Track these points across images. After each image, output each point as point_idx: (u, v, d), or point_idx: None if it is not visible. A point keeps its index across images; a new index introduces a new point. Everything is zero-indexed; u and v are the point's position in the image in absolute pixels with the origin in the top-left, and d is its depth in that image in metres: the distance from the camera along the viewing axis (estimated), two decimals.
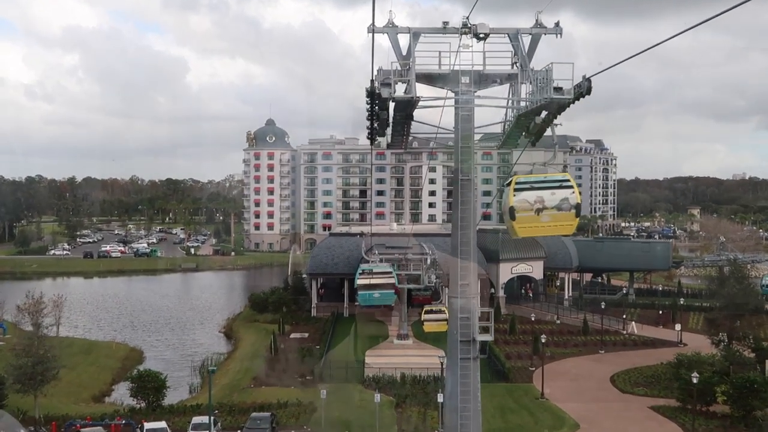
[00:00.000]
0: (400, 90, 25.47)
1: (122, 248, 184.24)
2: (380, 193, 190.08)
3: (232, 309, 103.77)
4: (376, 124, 27.69)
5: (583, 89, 23.57)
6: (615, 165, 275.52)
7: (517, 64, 26.76)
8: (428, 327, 57.26)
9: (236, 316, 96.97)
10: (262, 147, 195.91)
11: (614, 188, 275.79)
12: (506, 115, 29.22)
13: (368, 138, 28.53)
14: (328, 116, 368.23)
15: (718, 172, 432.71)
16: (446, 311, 52.10)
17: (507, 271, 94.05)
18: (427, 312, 57.33)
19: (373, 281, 59.17)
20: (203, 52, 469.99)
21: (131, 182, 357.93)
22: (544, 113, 27.44)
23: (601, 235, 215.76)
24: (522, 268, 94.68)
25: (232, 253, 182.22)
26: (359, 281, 59.41)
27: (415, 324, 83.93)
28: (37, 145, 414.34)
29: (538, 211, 22.69)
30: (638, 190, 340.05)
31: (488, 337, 27.06)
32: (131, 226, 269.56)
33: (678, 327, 76.76)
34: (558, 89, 23.88)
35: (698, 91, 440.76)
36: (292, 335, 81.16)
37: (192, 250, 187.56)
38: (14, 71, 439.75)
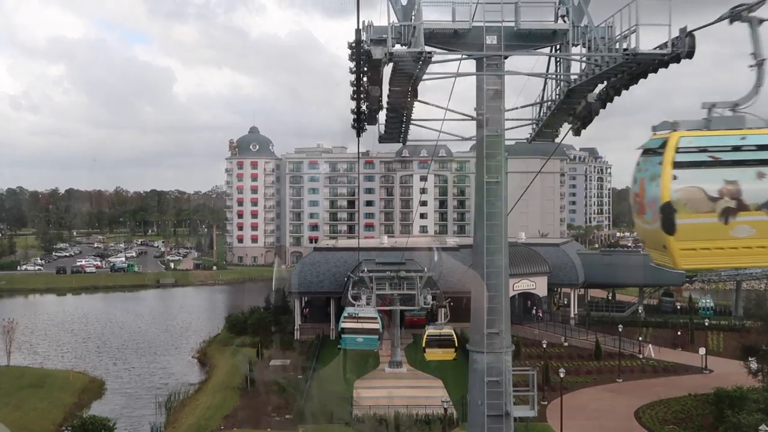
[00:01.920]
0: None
1: (98, 263, 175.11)
2: (369, 203, 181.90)
3: (210, 330, 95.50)
4: (364, 106, 19.58)
5: (683, 48, 15.32)
6: (610, 174, 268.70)
7: (567, 18, 18.64)
8: (431, 355, 48.20)
9: (212, 338, 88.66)
10: (245, 156, 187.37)
11: (609, 197, 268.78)
12: (545, 91, 21.03)
13: (354, 127, 20.54)
14: (316, 126, 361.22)
15: None
16: (454, 335, 45.79)
17: (508, 288, 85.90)
18: (430, 336, 47.51)
19: (358, 326, 53.90)
20: (190, 62, 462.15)
21: (116, 194, 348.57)
22: (598, 89, 19.51)
23: (596, 246, 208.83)
24: (524, 285, 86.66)
25: (214, 268, 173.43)
26: (343, 324, 54.27)
27: (409, 348, 75.96)
28: (22, 156, 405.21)
29: (728, 214, 11.42)
30: (629, 199, 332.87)
31: (529, 412, 18.89)
32: (110, 238, 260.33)
33: (702, 351, 68.90)
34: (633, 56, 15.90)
35: (686, 100, 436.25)
36: (272, 362, 72.90)
37: (172, 265, 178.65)
38: None
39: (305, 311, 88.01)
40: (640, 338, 75.12)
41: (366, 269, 67.42)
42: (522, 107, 21.78)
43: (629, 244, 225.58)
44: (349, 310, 55.68)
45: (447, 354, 46.53)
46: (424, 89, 18.98)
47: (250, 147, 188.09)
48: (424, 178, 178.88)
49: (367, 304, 63.83)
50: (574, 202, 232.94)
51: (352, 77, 17.79)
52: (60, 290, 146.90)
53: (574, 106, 19.80)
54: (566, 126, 21.53)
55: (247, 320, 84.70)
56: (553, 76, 19.08)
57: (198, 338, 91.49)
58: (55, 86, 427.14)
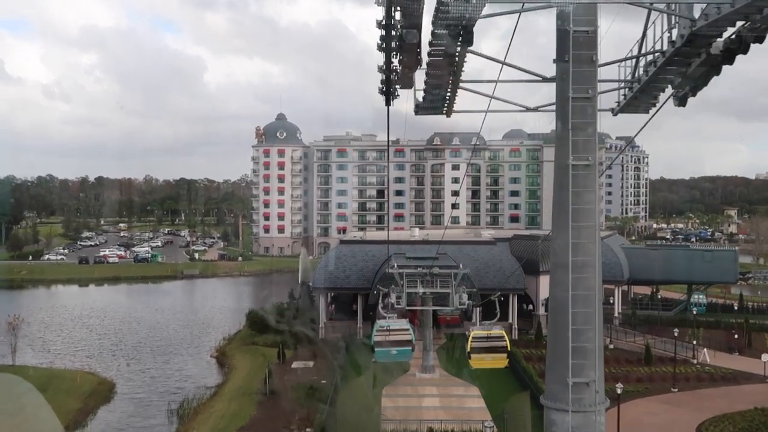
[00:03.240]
0: None
1: (121, 253, 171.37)
2: (399, 193, 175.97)
3: (231, 326, 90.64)
4: (396, 61, 13.95)
5: None
6: (647, 164, 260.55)
7: None
8: (478, 363, 41.39)
9: (233, 336, 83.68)
10: (272, 144, 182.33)
11: (646, 188, 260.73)
12: (646, 39, 15.18)
13: (382, 92, 14.90)
14: (345, 115, 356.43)
15: (741, 172, 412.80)
16: (505, 337, 40.99)
17: (548, 285, 79.88)
18: (476, 340, 40.68)
19: (390, 338, 49.85)
20: (220, 51, 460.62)
21: (145, 182, 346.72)
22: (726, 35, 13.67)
23: (633, 238, 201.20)
24: None
25: (240, 258, 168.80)
26: (376, 338, 50.23)
27: (441, 350, 70.45)
28: (55, 145, 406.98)
29: None
30: (664, 190, 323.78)
31: None
32: (137, 227, 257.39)
33: (766, 358, 62.43)
34: None
35: (721, 88, 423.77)
36: (294, 364, 67.74)
37: (197, 255, 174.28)
38: (32, 71, 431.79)
39: (331, 308, 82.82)
40: (694, 341, 68.64)
41: (396, 265, 61.89)
42: (607, 64, 15.92)
43: (668, 236, 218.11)
44: (380, 323, 52.06)
45: (497, 361, 40.87)
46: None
47: (277, 134, 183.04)
48: (455, 167, 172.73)
49: (398, 303, 58.80)
50: (610, 193, 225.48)
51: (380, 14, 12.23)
52: (82, 281, 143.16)
53: (691, 59, 13.94)
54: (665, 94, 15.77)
55: (268, 317, 79.60)
56: (667, 10, 13.23)
57: (218, 335, 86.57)
58: (87, 75, 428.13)
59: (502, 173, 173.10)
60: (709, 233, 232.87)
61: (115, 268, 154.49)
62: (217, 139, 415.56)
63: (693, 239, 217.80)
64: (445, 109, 17.57)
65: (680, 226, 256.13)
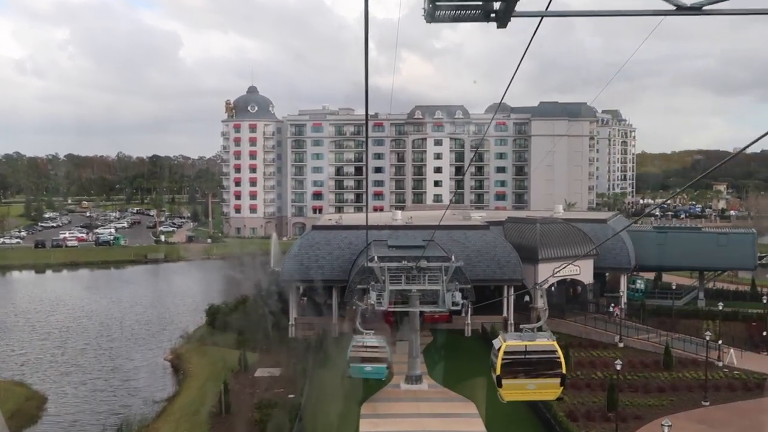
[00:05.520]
0: None
1: (82, 235, 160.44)
2: (378, 170, 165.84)
3: (192, 321, 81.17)
4: None
5: None
6: (634, 137, 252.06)
7: None
8: (512, 393, 27.64)
9: (192, 334, 74.11)
10: (242, 118, 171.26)
11: (633, 163, 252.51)
12: None
13: None
14: (322, 91, 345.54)
15: (717, 146, 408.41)
16: (559, 352, 27.06)
17: (547, 275, 70.61)
18: (511, 355, 26.68)
19: (366, 354, 46.24)
20: (196, 26, 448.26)
21: (118, 159, 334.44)
22: None
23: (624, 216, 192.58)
24: (567, 270, 71.15)
25: (209, 240, 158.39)
26: (351, 353, 46.36)
27: (428, 351, 61.26)
28: (28, 122, 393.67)
29: None
30: (647, 164, 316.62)
31: None
32: (105, 207, 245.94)
33: None
34: None
35: (699, 62, 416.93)
36: (258, 372, 58.29)
37: (163, 237, 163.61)
38: (3, 46, 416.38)
39: (302, 302, 73.37)
40: (720, 341, 59.68)
41: (375, 257, 52.42)
42: None
43: (656, 212, 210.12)
44: (357, 338, 47.43)
45: (546, 390, 27.72)
46: None
47: (248, 108, 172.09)
48: (438, 142, 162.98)
49: (378, 303, 49.61)
50: (596, 168, 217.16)
51: None
52: (38, 267, 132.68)
53: None
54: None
55: (230, 313, 70.09)
56: None
57: (176, 332, 76.90)
58: (61, 51, 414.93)
59: (487, 148, 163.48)
60: (698, 209, 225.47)
61: (74, 252, 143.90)
62: (194, 115, 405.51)
63: (683, 215, 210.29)
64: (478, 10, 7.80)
65: (668, 201, 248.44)
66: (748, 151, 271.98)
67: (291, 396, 51.10)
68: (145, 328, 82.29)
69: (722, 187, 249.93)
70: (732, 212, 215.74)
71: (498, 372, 26.69)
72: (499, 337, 28.24)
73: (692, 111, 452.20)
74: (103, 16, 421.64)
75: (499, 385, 26.94)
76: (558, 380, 26.92)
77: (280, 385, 54.52)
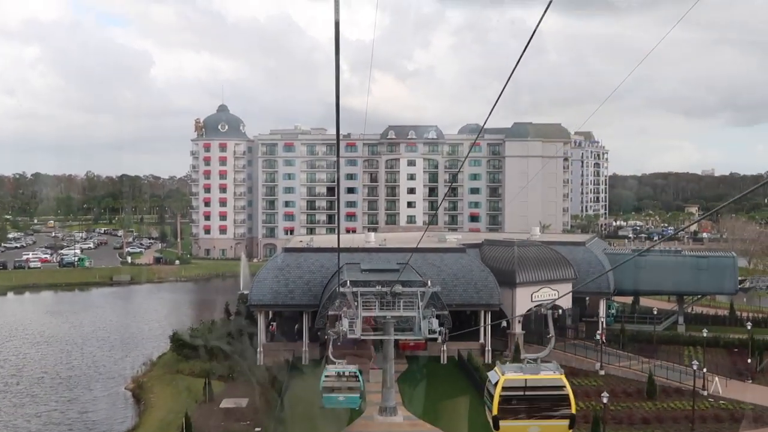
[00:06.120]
0: None
1: (46, 256, 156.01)
2: (351, 190, 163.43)
3: (156, 347, 77.86)
4: None
5: None
6: (606, 159, 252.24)
7: None
8: None
9: (156, 361, 70.79)
10: (212, 137, 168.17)
11: (606, 185, 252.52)
12: None
13: None
14: (296, 111, 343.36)
15: (687, 168, 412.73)
16: (567, 386, 22.88)
17: (526, 299, 68.79)
18: (510, 390, 22.68)
19: (339, 384, 44.56)
20: (168, 45, 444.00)
21: (87, 179, 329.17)
22: None
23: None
24: (545, 294, 69.35)
25: (177, 262, 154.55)
26: (324, 384, 44.55)
27: (403, 380, 58.70)
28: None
29: None
30: (618, 186, 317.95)
31: None
32: (72, 227, 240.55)
33: None
34: None
35: (669, 86, 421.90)
36: (224, 402, 55.25)
37: (129, 259, 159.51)
38: None
39: (272, 327, 70.57)
40: (704, 369, 57.70)
41: (348, 281, 49.89)
42: None
43: (629, 235, 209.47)
44: (329, 368, 45.69)
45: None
46: None
47: (219, 127, 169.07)
48: (411, 163, 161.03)
49: (351, 330, 47.11)
50: (570, 189, 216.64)
51: None
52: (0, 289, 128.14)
53: None
54: None
55: (196, 339, 66.97)
56: None
57: (140, 358, 73.52)
58: (31, 69, 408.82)
59: (462, 170, 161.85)
60: (671, 231, 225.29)
61: (36, 273, 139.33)
62: (165, 134, 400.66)
63: (655, 237, 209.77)
64: None
65: (639, 223, 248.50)
66: (718, 173, 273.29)
67: (258, 430, 48.25)
68: (107, 354, 78.71)
69: (694, 209, 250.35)
70: (704, 234, 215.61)
71: (495, 412, 22.58)
72: (496, 368, 23.97)
73: (661, 134, 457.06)
74: (74, 34, 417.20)
75: (496, 427, 22.87)
76: (566, 422, 22.90)
77: (246, 417, 51.63)
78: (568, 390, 22.73)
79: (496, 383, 22.80)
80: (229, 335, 69.34)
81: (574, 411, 22.86)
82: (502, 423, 22.60)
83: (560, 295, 68.41)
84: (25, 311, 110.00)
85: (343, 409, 48.22)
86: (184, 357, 67.01)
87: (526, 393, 22.61)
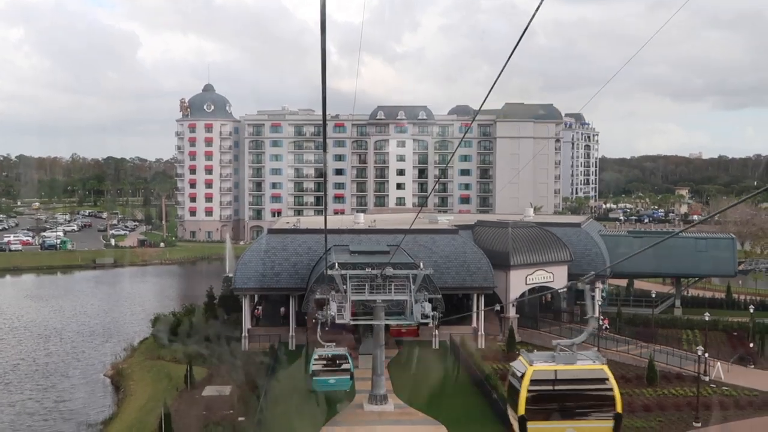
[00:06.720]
0: None
1: (27, 239, 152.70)
2: (339, 172, 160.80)
3: (138, 332, 75.46)
4: None
5: None
6: (597, 141, 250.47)
7: None
8: None
9: (137, 347, 68.29)
10: (198, 117, 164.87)
11: (596, 167, 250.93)
12: None
13: None
14: (285, 94, 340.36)
15: (673, 151, 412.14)
16: (612, 380, 19.27)
17: (520, 282, 66.58)
18: (539, 384, 18.85)
19: (328, 367, 44.04)
20: (155, 27, 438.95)
21: (72, 161, 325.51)
22: None
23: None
24: (539, 277, 67.21)
25: (162, 244, 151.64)
26: (313, 367, 44.17)
27: (394, 366, 56.40)
28: None
29: None
30: (608, 168, 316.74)
31: None
32: (56, 209, 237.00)
33: None
34: None
35: (656, 69, 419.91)
36: (206, 390, 52.80)
37: (113, 241, 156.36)
38: None
39: (257, 311, 68.08)
40: (706, 354, 55.60)
41: (336, 263, 47.38)
42: None
43: (620, 217, 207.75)
44: (318, 351, 45.02)
45: None
46: None
47: (204, 107, 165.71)
48: (401, 143, 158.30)
49: (339, 313, 44.72)
50: (560, 171, 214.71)
51: None
52: None
53: None
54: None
55: (179, 323, 64.46)
56: None
57: (121, 344, 71.04)
58: (15, 50, 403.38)
59: (451, 150, 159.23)
60: (661, 213, 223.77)
61: (17, 256, 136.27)
62: (152, 116, 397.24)
63: (646, 219, 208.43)
64: None
65: (629, 206, 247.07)
66: (705, 156, 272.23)
67: (241, 419, 45.82)
68: (87, 340, 76.14)
69: (684, 192, 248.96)
70: (695, 216, 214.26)
71: (521, 411, 18.67)
72: (521, 357, 19.89)
73: (649, 117, 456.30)
74: (60, 15, 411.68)
75: (523, 429, 18.85)
76: (610, 423, 18.91)
77: (229, 405, 49.15)
78: (613, 383, 19.12)
79: (523, 375, 18.97)
80: (212, 320, 66.82)
81: (620, 409, 19.00)
82: (530, 425, 18.70)
83: (567, 284, 66.32)
84: (5, 295, 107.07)
85: (332, 398, 46.03)
86: (165, 342, 64.44)
87: (560, 388, 18.82)
